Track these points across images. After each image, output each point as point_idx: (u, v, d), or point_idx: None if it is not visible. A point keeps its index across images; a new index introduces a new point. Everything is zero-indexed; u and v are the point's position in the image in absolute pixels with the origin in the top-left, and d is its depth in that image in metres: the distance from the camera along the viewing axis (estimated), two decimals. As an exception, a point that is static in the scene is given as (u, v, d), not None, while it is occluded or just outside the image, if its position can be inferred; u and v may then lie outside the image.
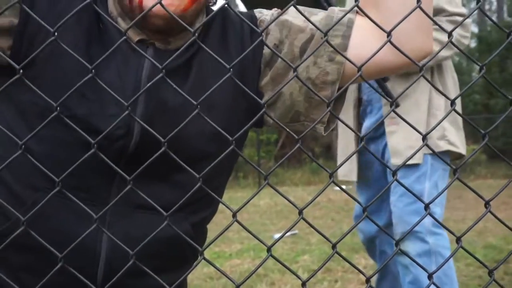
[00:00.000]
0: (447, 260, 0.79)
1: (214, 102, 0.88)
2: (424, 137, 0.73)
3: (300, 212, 0.69)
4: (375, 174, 2.37)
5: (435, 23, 0.75)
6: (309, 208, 0.80)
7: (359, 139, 2.29)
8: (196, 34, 0.59)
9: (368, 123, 2.37)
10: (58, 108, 0.58)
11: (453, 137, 2.17)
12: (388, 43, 0.72)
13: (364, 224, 2.53)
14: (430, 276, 0.75)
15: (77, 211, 0.75)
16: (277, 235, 4.77)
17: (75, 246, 0.67)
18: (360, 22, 0.91)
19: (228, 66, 0.62)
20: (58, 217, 0.81)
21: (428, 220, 2.08)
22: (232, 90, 0.90)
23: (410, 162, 2.15)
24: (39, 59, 0.80)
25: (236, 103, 0.92)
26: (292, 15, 0.92)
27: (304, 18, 0.84)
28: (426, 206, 0.74)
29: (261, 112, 0.64)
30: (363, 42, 0.89)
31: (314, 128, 0.90)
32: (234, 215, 0.67)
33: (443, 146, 2.15)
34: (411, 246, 2.09)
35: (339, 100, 0.96)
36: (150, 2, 0.81)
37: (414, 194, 0.74)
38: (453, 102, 0.72)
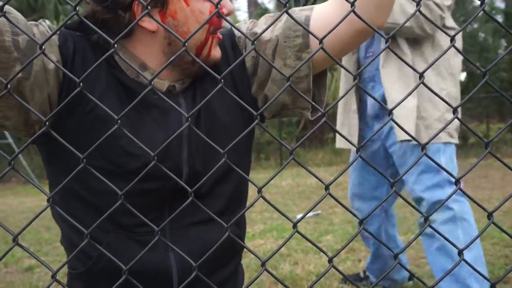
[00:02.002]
0: (475, 238, 0.77)
1: (225, 122, 1.02)
2: (455, 110, 0.70)
3: (327, 188, 0.68)
4: (375, 152, 2.38)
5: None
6: (332, 189, 0.80)
7: (360, 112, 2.34)
8: (222, 81, 0.68)
9: (372, 101, 2.36)
10: (85, 160, 0.65)
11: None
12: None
13: (360, 203, 2.54)
14: (460, 253, 0.73)
15: (144, 243, 0.96)
16: (299, 216, 4.77)
17: (152, 271, 0.96)
18: (321, 8, 1.01)
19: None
20: (129, 251, 0.95)
21: (451, 189, 2.10)
22: (233, 106, 1.03)
23: (437, 141, 2.16)
24: (82, 127, 0.93)
25: (239, 115, 1.04)
26: (260, 26, 1.04)
27: (270, 28, 1.00)
28: (457, 182, 0.72)
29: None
30: (324, 23, 0.98)
31: (301, 112, 1.06)
32: (259, 191, 0.66)
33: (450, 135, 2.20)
34: (436, 215, 2.13)
35: (322, 86, 1.07)
36: (217, 54, 1.01)
37: (447, 171, 0.72)
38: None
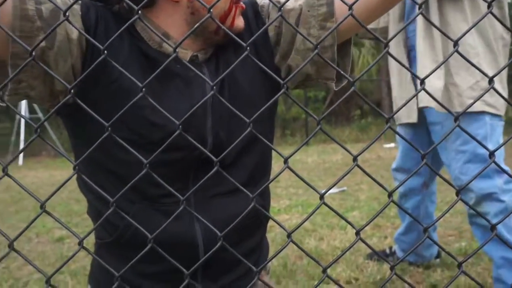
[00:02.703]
0: None
1: (248, 92, 1.01)
2: (491, 80, 0.67)
3: (355, 159, 0.66)
4: (419, 118, 2.31)
5: None
6: (358, 162, 0.79)
7: (414, 78, 2.26)
8: (248, 49, 0.66)
9: (416, 70, 2.29)
10: (110, 129, 0.65)
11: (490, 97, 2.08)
12: None
13: (402, 176, 2.51)
14: None
15: (168, 213, 0.96)
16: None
17: (178, 241, 0.96)
18: None
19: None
20: (154, 221, 0.95)
21: (499, 179, 2.05)
22: (256, 76, 1.02)
23: (471, 110, 2.06)
24: (106, 97, 0.92)
25: (262, 85, 1.03)
26: None
27: None
28: (491, 154, 0.69)
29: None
30: None
31: (325, 83, 1.05)
32: (285, 161, 0.65)
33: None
34: (488, 208, 2.08)
35: (346, 56, 1.05)
36: (241, 23, 0.99)
37: (477, 141, 0.69)
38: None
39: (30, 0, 0.83)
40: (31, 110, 9.52)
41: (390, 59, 2.41)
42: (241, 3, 1.00)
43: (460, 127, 0.68)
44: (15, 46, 0.82)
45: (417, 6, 2.18)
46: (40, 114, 9.51)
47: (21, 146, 9.16)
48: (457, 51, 0.67)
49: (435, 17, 2.08)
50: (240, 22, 1.00)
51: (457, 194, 0.69)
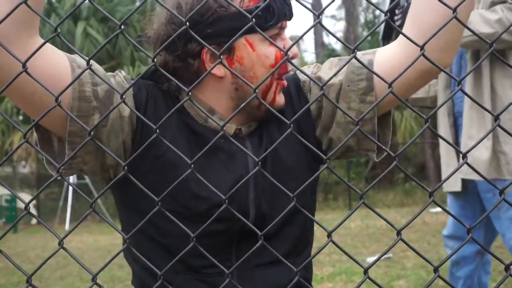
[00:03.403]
0: None
1: (290, 165, 1.04)
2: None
3: (399, 233, 0.66)
4: (469, 185, 2.26)
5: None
6: (404, 231, 0.78)
7: (456, 151, 2.24)
8: (292, 126, 0.68)
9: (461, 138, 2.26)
10: (160, 203, 0.68)
11: None
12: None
13: (454, 244, 2.42)
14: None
15: (212, 284, 0.98)
16: (369, 259, 4.62)
17: None
18: (385, 52, 1.02)
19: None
20: None
21: None
22: (298, 149, 1.04)
23: None
24: (152, 171, 0.96)
25: (303, 158, 1.05)
26: (324, 71, 1.05)
27: (333, 72, 1.02)
28: None
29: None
30: (388, 66, 0.98)
31: (366, 154, 1.06)
32: (329, 235, 0.66)
33: None
34: None
35: (386, 127, 1.07)
36: (281, 100, 1.02)
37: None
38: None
39: (88, 82, 0.90)
40: (79, 176, 9.83)
41: (439, 127, 2.39)
42: (284, 80, 1.03)
43: (505, 200, 0.67)
44: (72, 125, 0.88)
45: (463, 74, 2.20)
46: (87, 180, 9.80)
47: (68, 211, 9.40)
48: (498, 125, 0.68)
49: (486, 84, 2.08)
50: (280, 99, 1.02)
51: (506, 269, 0.67)
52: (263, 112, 1.02)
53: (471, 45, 2.03)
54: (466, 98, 2.14)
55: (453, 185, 2.26)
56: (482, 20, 1.98)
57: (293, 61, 0.99)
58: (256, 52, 0.97)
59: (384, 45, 3.18)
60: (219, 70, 0.98)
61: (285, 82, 1.03)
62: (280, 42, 1.00)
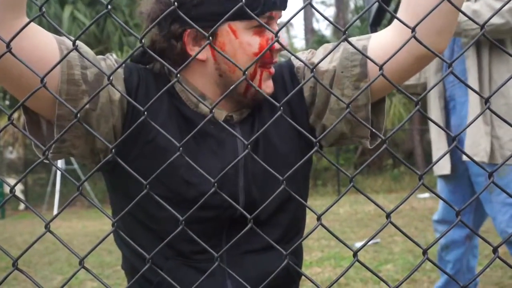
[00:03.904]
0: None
1: (283, 151, 1.03)
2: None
3: (388, 216, 0.66)
4: (460, 169, 2.27)
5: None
6: (392, 216, 0.78)
7: (448, 135, 2.26)
8: (282, 108, 0.67)
9: (454, 121, 2.28)
10: (148, 186, 0.67)
11: None
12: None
13: (443, 228, 2.45)
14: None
15: (201, 270, 0.98)
16: (358, 244, 4.66)
17: None
18: (379, 37, 1.00)
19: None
20: (188, 278, 0.97)
21: None
22: (291, 136, 1.04)
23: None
24: (143, 156, 0.96)
25: (296, 144, 1.05)
26: (318, 57, 1.03)
27: (327, 59, 1.00)
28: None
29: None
30: (382, 50, 0.96)
31: (360, 141, 1.05)
32: (318, 218, 0.66)
33: None
34: None
35: (380, 113, 1.06)
36: (267, 89, 1.01)
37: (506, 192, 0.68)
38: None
39: (77, 65, 0.89)
40: (67, 161, 9.77)
41: (430, 111, 2.40)
42: (271, 68, 1.01)
43: (494, 183, 0.67)
44: (61, 108, 0.87)
45: (454, 58, 2.20)
46: (76, 166, 9.74)
47: (57, 196, 9.35)
48: (489, 108, 0.68)
49: (486, 72, 2.09)
50: (266, 87, 1.00)
51: (494, 252, 0.67)
52: (250, 99, 1.01)
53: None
54: (470, 80, 2.13)
55: (443, 168, 2.28)
56: (492, 11, 1.97)
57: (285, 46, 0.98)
58: (239, 40, 0.96)
59: (372, 31, 3.18)
60: (201, 54, 0.97)
61: (272, 70, 1.01)
62: (269, 32, 0.98)
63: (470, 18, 0.68)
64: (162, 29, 0.96)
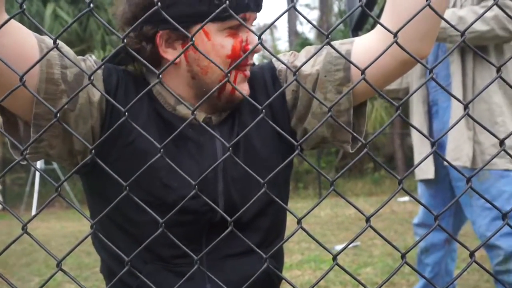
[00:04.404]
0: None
1: (263, 155, 1.03)
2: (501, 143, 0.68)
3: (368, 220, 0.67)
4: (441, 174, 2.30)
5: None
6: (372, 220, 0.79)
7: (434, 141, 2.25)
8: (264, 111, 0.67)
9: (437, 126, 2.30)
10: (128, 188, 0.67)
11: None
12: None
13: (423, 231, 2.47)
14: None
15: (181, 274, 0.95)
16: (338, 247, 4.69)
17: None
18: (362, 41, 1.00)
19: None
20: (167, 281, 0.96)
21: None
22: (272, 139, 1.03)
23: (496, 167, 2.07)
24: (122, 158, 0.95)
25: (277, 148, 1.04)
26: (300, 60, 1.03)
27: (310, 63, 1.00)
28: (504, 215, 0.69)
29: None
30: (365, 55, 0.96)
31: (341, 145, 1.05)
32: (298, 222, 0.66)
33: None
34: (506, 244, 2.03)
35: (361, 116, 1.06)
36: (243, 91, 0.99)
37: (493, 205, 0.69)
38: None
39: (56, 64, 0.87)
40: (46, 161, 9.63)
41: (412, 115, 2.42)
42: (246, 70, 1.00)
43: (472, 188, 0.68)
44: (38, 107, 0.86)
45: (441, 63, 2.22)
46: (55, 165, 9.62)
47: (35, 196, 9.22)
48: (468, 114, 0.69)
49: (470, 78, 2.11)
50: (241, 90, 0.99)
51: (470, 256, 0.68)
52: (224, 103, 1.00)
53: (471, 42, 2.05)
54: (454, 87, 2.16)
55: (426, 172, 2.30)
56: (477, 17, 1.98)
57: (259, 50, 0.98)
58: (211, 42, 0.95)
59: (354, 36, 3.19)
60: (172, 56, 0.96)
61: (247, 72, 1.01)
62: (243, 34, 0.97)
63: (451, 25, 0.69)
64: (134, 30, 0.95)
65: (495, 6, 2.20)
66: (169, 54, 0.96)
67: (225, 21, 0.94)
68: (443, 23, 1.84)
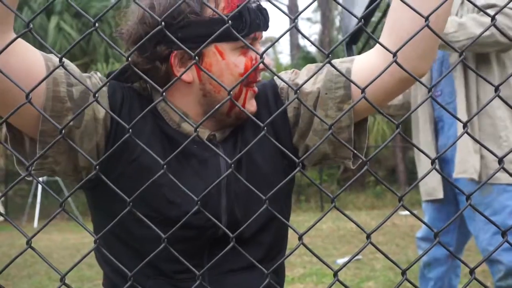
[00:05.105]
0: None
1: (265, 171, 1.04)
2: (500, 161, 0.69)
3: (368, 236, 0.67)
4: (447, 188, 2.29)
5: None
6: (373, 233, 0.80)
7: (434, 158, 2.24)
8: (265, 129, 0.69)
9: (442, 141, 2.31)
10: (131, 204, 0.68)
11: None
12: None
13: (427, 245, 2.45)
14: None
15: None
16: (340, 260, 4.67)
17: None
18: (362, 59, 1.02)
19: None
20: None
21: None
22: (274, 155, 1.04)
23: (499, 182, 2.07)
24: (126, 175, 0.96)
25: (279, 164, 1.05)
26: (302, 78, 1.05)
27: (311, 80, 1.02)
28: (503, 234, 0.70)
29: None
30: (365, 73, 0.97)
31: (343, 162, 1.06)
32: (300, 238, 0.66)
33: None
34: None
35: (362, 133, 1.07)
36: (251, 107, 1.02)
37: (492, 222, 0.70)
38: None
39: (63, 82, 0.89)
40: (49, 173, 9.64)
41: (417, 132, 2.41)
42: (254, 87, 1.03)
43: (471, 206, 0.69)
44: (44, 124, 0.87)
45: (443, 81, 2.22)
46: (57, 177, 9.61)
47: (37, 208, 9.22)
48: (466, 132, 0.69)
49: (473, 92, 2.12)
50: (251, 106, 1.02)
51: (471, 273, 0.69)
52: (233, 119, 1.02)
53: (472, 48, 2.06)
54: (458, 104, 2.16)
55: (433, 193, 2.29)
56: (477, 24, 2.00)
57: (269, 66, 0.99)
58: (225, 60, 0.97)
59: (347, 49, 3.20)
60: (187, 76, 0.98)
61: (255, 89, 1.03)
62: (253, 52, 0.99)
63: (449, 45, 0.70)
64: (145, 50, 0.96)
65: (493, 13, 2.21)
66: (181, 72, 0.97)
67: (238, 41, 0.96)
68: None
